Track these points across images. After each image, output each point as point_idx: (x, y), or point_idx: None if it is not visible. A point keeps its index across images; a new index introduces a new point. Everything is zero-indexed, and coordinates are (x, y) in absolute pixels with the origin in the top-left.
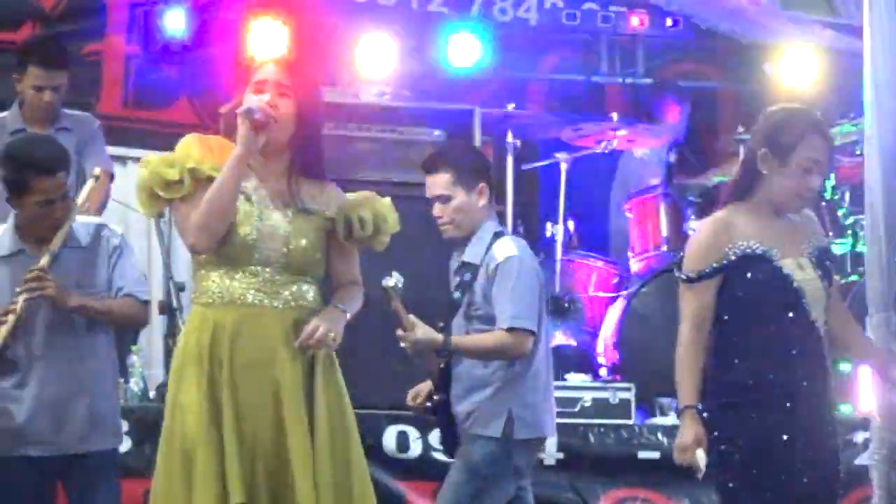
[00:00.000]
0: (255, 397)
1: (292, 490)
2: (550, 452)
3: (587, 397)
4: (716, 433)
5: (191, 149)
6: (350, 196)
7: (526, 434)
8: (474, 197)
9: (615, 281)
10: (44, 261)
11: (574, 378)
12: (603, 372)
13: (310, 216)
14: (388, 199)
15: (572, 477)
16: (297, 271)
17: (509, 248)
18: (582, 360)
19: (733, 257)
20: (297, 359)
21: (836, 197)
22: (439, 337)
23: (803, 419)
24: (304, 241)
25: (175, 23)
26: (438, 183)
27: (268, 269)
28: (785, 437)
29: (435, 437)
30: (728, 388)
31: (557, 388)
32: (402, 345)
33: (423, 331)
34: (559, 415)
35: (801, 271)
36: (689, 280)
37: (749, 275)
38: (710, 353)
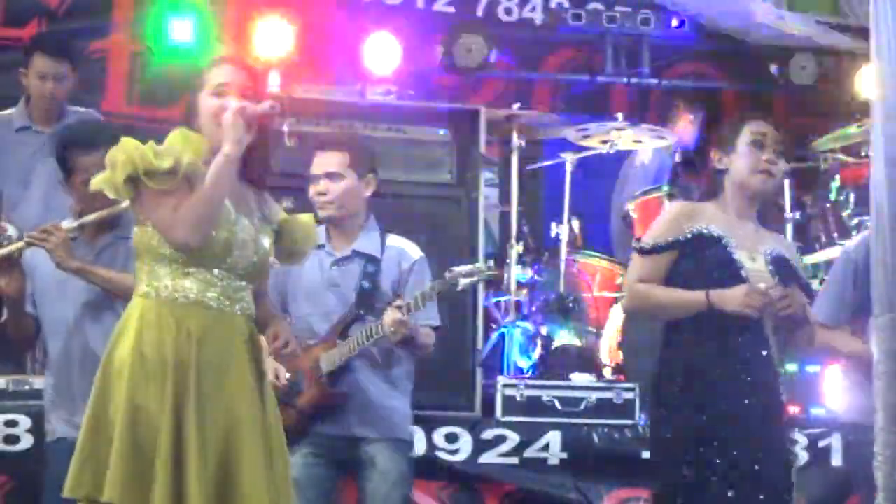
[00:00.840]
0: (216, 401)
1: (238, 486)
2: (555, 452)
3: (591, 397)
4: (660, 429)
5: (185, 141)
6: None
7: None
8: (363, 185)
9: (619, 281)
10: (66, 223)
11: (578, 378)
12: (607, 372)
13: (267, 226)
14: (310, 216)
15: (576, 477)
16: (252, 279)
17: (413, 246)
18: (586, 360)
19: (689, 235)
20: (251, 364)
21: (842, 198)
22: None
23: (750, 413)
24: (267, 251)
25: (182, 33)
26: (332, 161)
27: (231, 275)
28: (724, 431)
29: (440, 435)
30: (675, 368)
31: (562, 388)
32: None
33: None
34: (564, 414)
35: (752, 262)
36: (642, 250)
37: (701, 254)
38: (662, 333)
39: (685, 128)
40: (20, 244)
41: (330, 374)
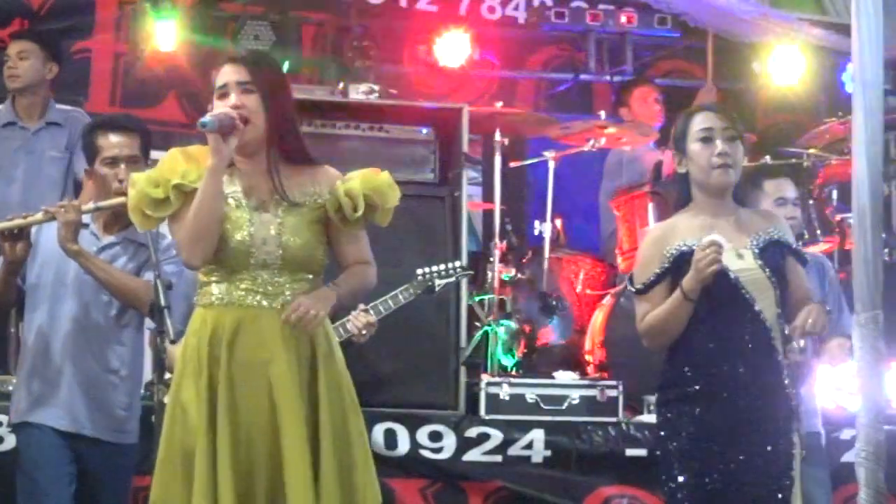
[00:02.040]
0: (252, 398)
1: (289, 492)
2: (538, 450)
3: (575, 395)
4: (662, 433)
5: (175, 163)
6: (347, 175)
7: None
8: None
9: (603, 279)
10: (87, 206)
11: (562, 376)
12: (590, 370)
13: (300, 209)
14: (385, 174)
15: (560, 474)
16: (295, 269)
17: None
18: (570, 357)
19: (671, 259)
20: (296, 357)
21: (824, 195)
22: None
23: (743, 410)
24: (297, 239)
25: (164, 35)
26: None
27: (265, 272)
28: (725, 428)
29: (423, 434)
30: (673, 385)
31: (545, 385)
32: None
33: None
34: (547, 412)
35: (739, 261)
36: (638, 292)
37: (686, 271)
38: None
39: (650, 109)
40: (39, 216)
41: None
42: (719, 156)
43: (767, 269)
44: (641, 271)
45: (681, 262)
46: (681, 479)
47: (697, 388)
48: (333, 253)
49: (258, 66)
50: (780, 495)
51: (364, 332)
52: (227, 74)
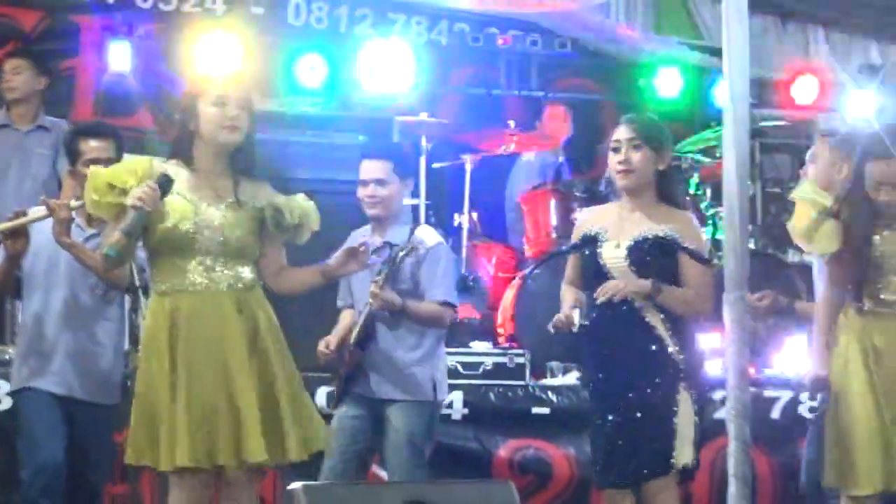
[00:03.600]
0: (208, 370)
1: (245, 440)
2: (457, 408)
3: (488, 362)
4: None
5: (114, 177)
6: (283, 195)
7: (443, 395)
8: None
9: (512, 263)
10: (74, 203)
11: (477, 346)
12: (502, 340)
13: (241, 208)
14: (312, 203)
15: (476, 430)
16: (234, 256)
17: (432, 234)
18: (484, 330)
19: (581, 237)
20: (243, 331)
21: (700, 192)
22: None
23: (616, 378)
24: (237, 231)
25: (119, 57)
26: (379, 169)
27: (209, 257)
28: (599, 391)
29: None
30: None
31: (463, 354)
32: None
33: None
34: (465, 376)
35: (615, 250)
36: (562, 252)
37: (585, 252)
38: None
39: (553, 120)
40: (40, 213)
41: (356, 342)
42: (620, 163)
43: (629, 260)
44: (572, 239)
45: (586, 239)
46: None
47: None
48: (259, 254)
49: (247, 88)
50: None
51: (371, 301)
52: (229, 87)
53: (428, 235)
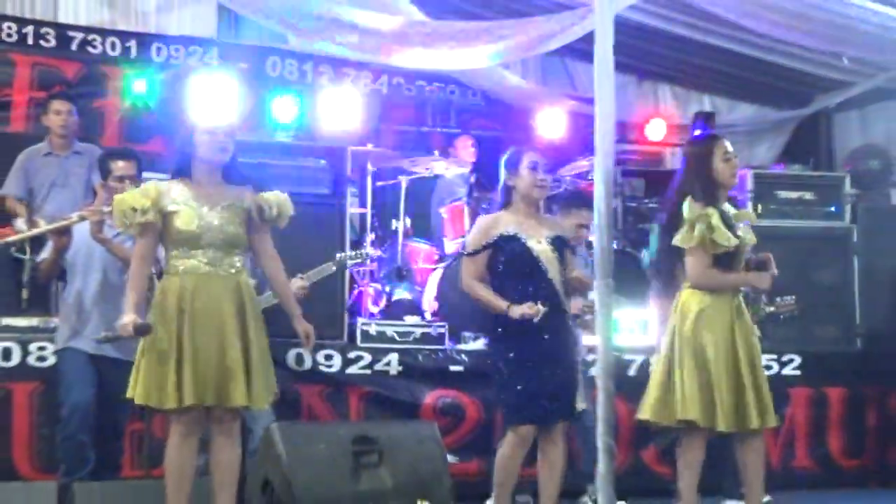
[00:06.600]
0: (207, 334)
1: (231, 388)
2: (394, 366)
3: (418, 332)
4: (489, 359)
5: (123, 203)
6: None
7: None
8: None
9: (436, 257)
10: (105, 209)
11: (409, 319)
12: (427, 315)
13: (232, 209)
14: (286, 195)
15: (408, 383)
16: (230, 248)
17: None
18: (414, 307)
19: (496, 238)
20: (234, 305)
21: None
22: None
23: (547, 344)
24: (231, 228)
25: (138, 97)
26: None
27: (211, 250)
28: (535, 355)
29: (320, 356)
30: (497, 325)
31: (399, 325)
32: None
33: None
34: (400, 342)
35: (539, 245)
36: (468, 254)
37: (506, 248)
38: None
39: (466, 150)
40: (77, 217)
41: None
42: (541, 180)
43: (556, 252)
44: (473, 240)
45: (501, 242)
46: (506, 394)
47: (514, 329)
48: (251, 243)
49: (233, 121)
50: (571, 392)
51: (300, 293)
52: (220, 121)
53: None
